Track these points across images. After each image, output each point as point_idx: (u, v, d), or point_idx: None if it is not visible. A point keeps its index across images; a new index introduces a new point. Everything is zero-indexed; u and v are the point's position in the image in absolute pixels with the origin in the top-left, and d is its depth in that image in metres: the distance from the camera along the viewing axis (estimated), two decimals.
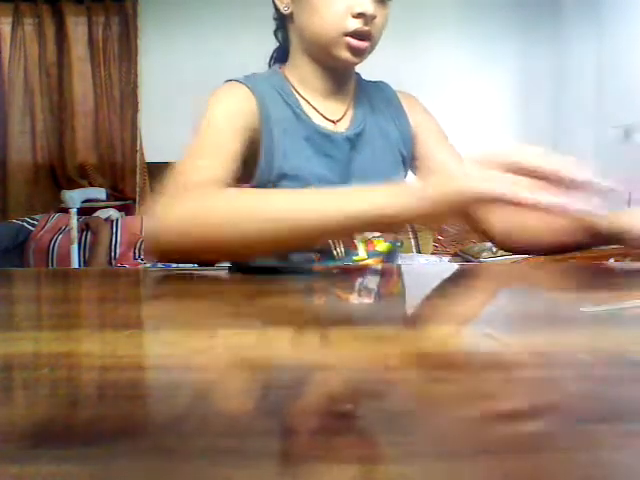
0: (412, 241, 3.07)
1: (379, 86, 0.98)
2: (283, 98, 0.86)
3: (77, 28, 3.18)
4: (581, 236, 0.76)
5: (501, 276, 0.69)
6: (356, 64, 0.84)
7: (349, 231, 0.72)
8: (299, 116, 0.85)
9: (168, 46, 3.19)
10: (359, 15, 0.76)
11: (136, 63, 3.18)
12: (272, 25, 0.93)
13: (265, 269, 0.71)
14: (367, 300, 0.53)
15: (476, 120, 3.33)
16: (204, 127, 0.78)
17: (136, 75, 3.19)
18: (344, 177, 0.86)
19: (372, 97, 0.94)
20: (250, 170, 0.82)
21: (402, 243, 3.32)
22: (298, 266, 0.80)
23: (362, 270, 0.74)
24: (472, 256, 2.67)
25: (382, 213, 0.55)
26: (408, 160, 0.96)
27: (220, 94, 0.82)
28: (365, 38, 0.78)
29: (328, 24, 0.77)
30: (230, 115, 0.79)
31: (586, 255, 1.19)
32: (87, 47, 3.19)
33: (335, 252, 0.85)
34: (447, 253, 3.11)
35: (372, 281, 0.65)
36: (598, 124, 3.02)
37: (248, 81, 0.84)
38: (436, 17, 3.26)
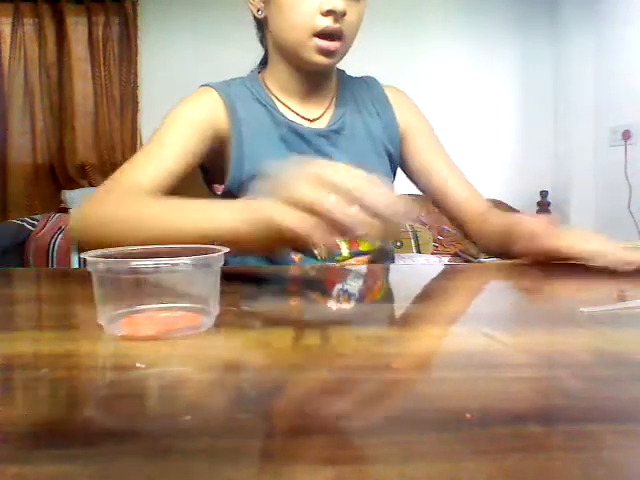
0: (412, 241, 3.07)
1: (365, 82, 0.96)
2: (258, 100, 0.86)
3: (77, 28, 3.17)
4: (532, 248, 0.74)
5: (500, 276, 0.69)
6: (328, 66, 0.82)
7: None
8: (273, 116, 0.85)
9: (168, 46, 3.19)
10: (328, 12, 0.74)
11: (136, 63, 3.18)
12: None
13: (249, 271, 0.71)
14: (366, 300, 0.53)
15: (476, 120, 3.32)
16: (159, 131, 0.80)
17: (136, 75, 3.18)
18: None
19: (356, 94, 0.93)
20: (223, 171, 0.84)
21: (402, 243, 3.29)
22: (280, 266, 0.80)
23: (362, 271, 0.74)
24: (472, 256, 2.66)
25: (230, 233, 0.52)
26: (396, 157, 0.95)
27: (186, 101, 0.84)
28: (335, 38, 0.76)
29: (297, 25, 0.76)
30: (188, 122, 0.80)
31: None
32: (87, 47, 3.19)
33: (317, 252, 0.85)
34: (447, 253, 3.10)
35: (371, 282, 0.65)
36: (597, 125, 3.02)
37: (220, 85, 0.85)
38: (435, 17, 3.26)
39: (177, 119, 0.80)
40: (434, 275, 0.72)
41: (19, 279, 0.66)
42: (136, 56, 3.18)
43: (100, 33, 3.18)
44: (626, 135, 2.79)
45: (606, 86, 2.94)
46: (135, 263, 0.35)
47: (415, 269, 0.96)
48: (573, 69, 3.15)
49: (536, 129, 3.35)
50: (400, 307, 0.51)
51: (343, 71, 0.95)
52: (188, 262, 0.37)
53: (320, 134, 0.86)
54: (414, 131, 0.95)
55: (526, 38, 3.32)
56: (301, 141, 0.85)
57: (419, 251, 3.05)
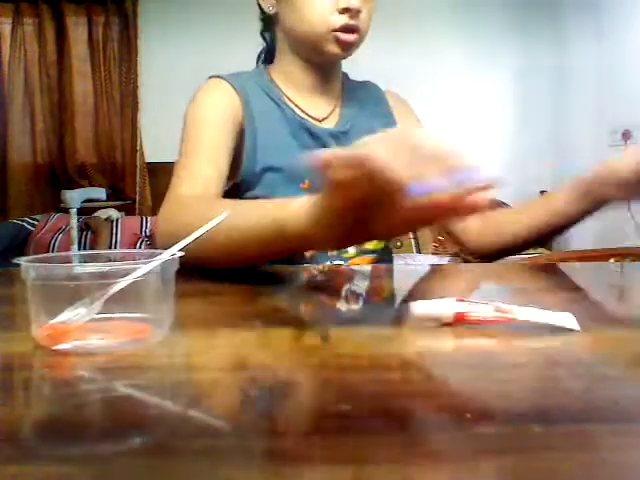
0: (412, 241, 3.07)
1: (367, 86, 0.97)
2: (268, 95, 0.86)
3: (77, 28, 3.17)
4: (557, 219, 0.73)
5: (500, 276, 0.69)
6: (345, 58, 0.84)
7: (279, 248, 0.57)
8: (284, 111, 0.85)
9: (168, 46, 3.19)
10: (344, 10, 0.77)
11: (136, 63, 3.18)
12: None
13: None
14: (367, 300, 0.53)
15: (475, 121, 3.32)
16: (194, 126, 0.79)
17: (136, 75, 3.18)
18: None
19: (360, 97, 0.94)
20: (236, 165, 0.83)
21: (402, 243, 3.29)
22: (291, 262, 0.80)
23: (362, 271, 0.74)
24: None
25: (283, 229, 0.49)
26: None
27: (205, 91, 0.83)
28: (353, 31, 0.78)
29: (314, 21, 0.78)
30: (219, 113, 0.80)
31: (586, 255, 1.19)
32: (87, 47, 3.18)
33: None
34: (447, 253, 3.10)
35: (372, 282, 0.65)
36: (598, 125, 3.02)
37: (231, 78, 0.85)
38: (435, 17, 3.26)
39: (204, 120, 0.80)
40: (434, 275, 0.72)
41: (19, 279, 0.65)
42: (136, 56, 3.17)
43: (100, 33, 3.18)
44: (626, 135, 2.79)
45: (606, 86, 2.94)
46: (77, 269, 0.33)
47: (415, 269, 0.96)
48: (573, 70, 3.15)
49: (536, 129, 3.35)
50: (400, 307, 0.51)
51: (346, 73, 0.95)
52: (137, 267, 0.33)
53: (330, 134, 0.87)
54: None
55: (527, 39, 3.32)
56: (311, 139, 0.85)
57: (419, 251, 3.04)
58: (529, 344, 0.35)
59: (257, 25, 0.92)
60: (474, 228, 0.88)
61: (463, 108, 3.32)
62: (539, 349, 0.34)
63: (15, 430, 0.23)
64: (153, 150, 3.20)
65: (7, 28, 3.14)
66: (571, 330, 0.36)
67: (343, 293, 0.56)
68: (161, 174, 3.28)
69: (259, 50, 0.96)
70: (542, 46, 3.32)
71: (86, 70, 3.19)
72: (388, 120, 0.94)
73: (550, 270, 0.68)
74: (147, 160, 3.22)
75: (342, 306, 0.50)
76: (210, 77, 0.86)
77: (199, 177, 0.75)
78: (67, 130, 3.15)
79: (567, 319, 0.36)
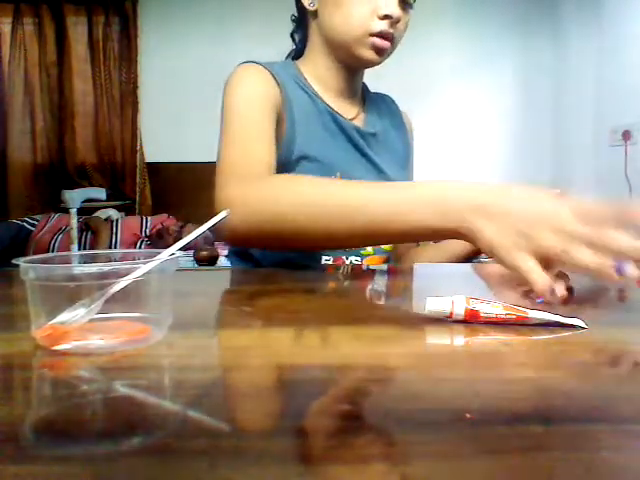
0: None
1: (384, 98, 1.00)
2: (299, 86, 0.86)
3: (77, 28, 3.18)
4: (451, 258, 0.87)
5: (499, 276, 0.69)
6: (376, 64, 0.84)
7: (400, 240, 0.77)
8: (316, 102, 0.85)
9: (168, 46, 3.19)
10: (385, 17, 0.77)
11: (136, 63, 3.18)
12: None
13: (274, 263, 0.71)
14: (367, 300, 0.53)
15: (475, 120, 3.32)
16: (237, 108, 0.78)
17: (136, 75, 3.18)
18: (360, 166, 0.86)
19: (379, 106, 0.96)
20: None
21: None
22: (306, 258, 0.80)
23: (364, 270, 0.74)
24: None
25: (417, 236, 0.61)
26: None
27: (243, 75, 0.82)
28: (388, 39, 0.79)
29: (353, 23, 0.78)
30: (260, 95, 0.79)
31: None
32: (87, 47, 3.19)
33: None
34: None
35: (373, 281, 0.65)
36: (597, 125, 3.02)
37: (266, 64, 0.84)
38: (435, 16, 3.26)
39: (247, 102, 0.78)
40: (434, 275, 0.72)
41: (19, 279, 0.65)
42: (136, 56, 3.18)
43: (100, 33, 3.19)
44: (626, 135, 2.79)
45: (606, 86, 2.94)
46: (77, 269, 0.33)
47: (415, 269, 0.96)
48: (573, 69, 3.15)
49: (536, 129, 3.35)
50: (400, 306, 0.51)
51: (365, 84, 0.96)
52: (137, 267, 0.33)
53: (360, 133, 0.88)
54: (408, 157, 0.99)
55: (526, 38, 3.32)
56: (341, 133, 0.86)
57: None
58: (532, 344, 0.35)
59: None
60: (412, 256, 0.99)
61: (463, 107, 3.32)
62: (541, 349, 0.34)
63: (15, 430, 0.23)
64: (153, 150, 3.20)
65: (7, 28, 3.15)
66: (578, 329, 0.37)
67: (354, 290, 0.56)
68: (161, 174, 3.29)
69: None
70: (542, 45, 3.33)
71: (86, 70, 3.19)
72: (403, 134, 0.98)
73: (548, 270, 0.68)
74: (147, 160, 3.22)
75: (345, 304, 0.50)
76: (241, 63, 0.85)
77: (255, 158, 0.74)
78: (67, 130, 3.15)
79: (576, 320, 0.38)
